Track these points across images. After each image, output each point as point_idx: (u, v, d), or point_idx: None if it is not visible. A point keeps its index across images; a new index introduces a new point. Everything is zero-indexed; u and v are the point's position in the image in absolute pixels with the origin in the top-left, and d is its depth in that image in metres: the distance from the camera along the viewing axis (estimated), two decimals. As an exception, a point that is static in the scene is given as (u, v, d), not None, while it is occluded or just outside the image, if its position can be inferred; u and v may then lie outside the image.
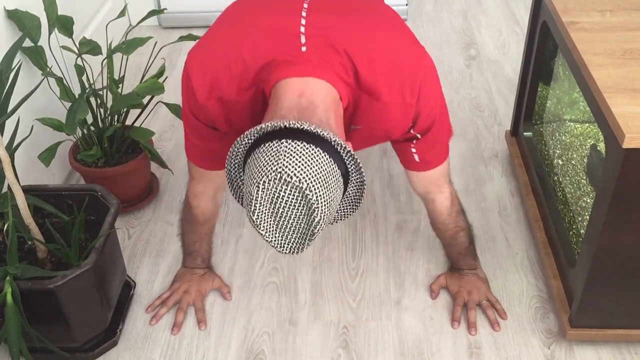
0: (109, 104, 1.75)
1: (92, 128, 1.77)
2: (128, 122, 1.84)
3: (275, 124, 0.99)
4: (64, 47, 1.74)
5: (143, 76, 1.81)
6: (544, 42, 1.72)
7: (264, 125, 1.00)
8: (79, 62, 1.71)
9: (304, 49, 1.12)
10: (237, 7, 1.29)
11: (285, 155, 0.96)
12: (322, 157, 0.98)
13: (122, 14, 1.78)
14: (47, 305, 1.34)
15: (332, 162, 1.00)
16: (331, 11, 1.20)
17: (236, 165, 1.08)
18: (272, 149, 0.98)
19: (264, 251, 1.75)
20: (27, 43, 1.65)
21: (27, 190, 1.37)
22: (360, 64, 1.13)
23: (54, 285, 1.29)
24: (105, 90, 1.75)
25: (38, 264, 1.42)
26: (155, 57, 1.82)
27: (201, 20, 2.86)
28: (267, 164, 0.97)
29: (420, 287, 1.64)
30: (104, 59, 1.74)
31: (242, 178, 1.08)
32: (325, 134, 0.99)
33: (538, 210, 1.72)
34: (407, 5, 2.86)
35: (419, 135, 1.27)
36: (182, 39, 1.78)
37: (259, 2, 1.29)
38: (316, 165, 0.97)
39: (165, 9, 1.94)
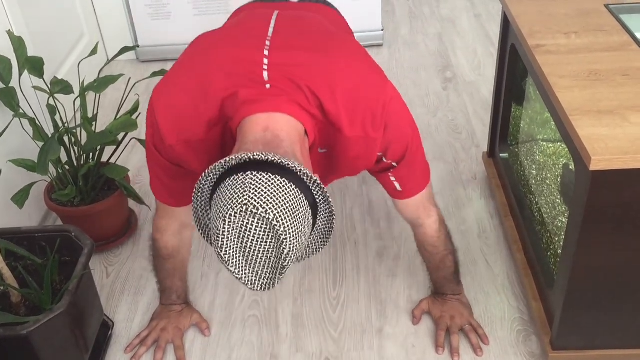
0: (84, 142, 1.75)
1: (66, 167, 1.76)
2: (104, 158, 1.83)
3: (240, 157, 0.98)
4: (36, 88, 1.73)
5: (118, 112, 1.81)
6: (515, 64, 1.74)
7: (228, 159, 0.99)
8: (51, 101, 1.70)
9: (267, 86, 1.12)
10: (200, 43, 1.30)
11: (250, 187, 0.95)
12: (289, 187, 0.98)
13: (93, 52, 1.79)
14: (21, 351, 1.31)
15: (299, 192, 0.99)
16: (293, 46, 1.21)
17: (203, 202, 1.06)
18: (238, 182, 0.97)
19: (244, 285, 1.73)
20: (-2, 85, 1.65)
21: (-2, 234, 1.36)
22: (323, 98, 1.13)
23: (27, 331, 1.27)
24: (79, 129, 1.75)
25: (12, 308, 1.40)
26: (129, 92, 1.82)
27: (178, 53, 2.84)
28: (233, 197, 0.96)
29: (402, 315, 1.63)
30: (76, 98, 1.74)
31: (209, 215, 1.07)
32: (290, 164, 0.98)
33: (517, 232, 1.72)
34: (382, 30, 2.88)
35: (394, 164, 1.27)
36: (154, 74, 1.78)
37: (222, 37, 1.29)
38: (283, 196, 0.96)
39: (138, 45, 1.94)
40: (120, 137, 1.77)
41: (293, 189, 0.98)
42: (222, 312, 1.66)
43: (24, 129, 1.75)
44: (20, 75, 1.69)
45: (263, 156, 0.97)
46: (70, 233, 1.49)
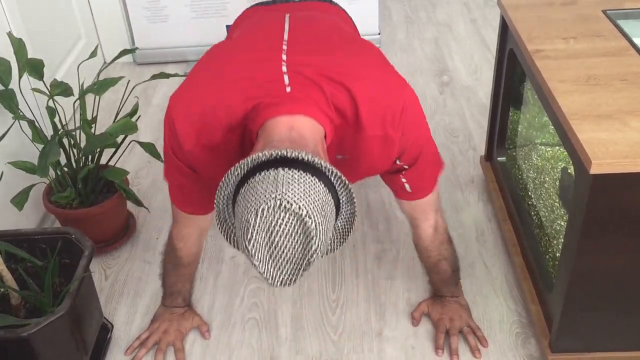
0: (83, 144, 1.75)
1: (65, 169, 1.76)
2: (103, 160, 1.83)
3: (272, 153, 0.98)
4: (35, 90, 1.73)
5: (117, 114, 1.81)
6: (513, 68, 1.75)
7: (260, 154, 0.98)
8: (51, 104, 1.70)
9: (288, 89, 1.13)
10: (217, 51, 1.30)
11: (284, 183, 0.95)
12: (319, 186, 0.98)
13: (93, 54, 1.79)
14: (21, 353, 1.31)
15: (327, 192, 0.99)
16: (310, 49, 1.22)
17: (225, 196, 1.05)
18: (270, 177, 0.97)
19: (243, 287, 1.74)
20: (-2, 87, 1.65)
21: (-2, 236, 1.35)
22: (342, 99, 1.14)
23: (28, 333, 1.26)
24: (78, 131, 1.75)
25: (12, 310, 1.40)
26: (129, 95, 1.82)
27: (175, 56, 2.87)
28: (265, 191, 0.95)
29: (401, 317, 1.63)
30: (76, 100, 1.74)
31: (229, 210, 1.06)
32: (322, 164, 0.99)
33: (515, 235, 1.73)
34: (379, 34, 2.90)
35: (406, 166, 1.29)
36: (154, 77, 1.78)
37: (238, 44, 1.30)
38: (314, 194, 0.96)
39: (137, 48, 1.94)
40: (119, 139, 1.76)
41: (322, 188, 0.98)
42: (222, 314, 1.66)
43: (23, 131, 1.74)
44: (19, 77, 1.68)
45: (295, 154, 0.98)
46: (70, 235, 1.49)
